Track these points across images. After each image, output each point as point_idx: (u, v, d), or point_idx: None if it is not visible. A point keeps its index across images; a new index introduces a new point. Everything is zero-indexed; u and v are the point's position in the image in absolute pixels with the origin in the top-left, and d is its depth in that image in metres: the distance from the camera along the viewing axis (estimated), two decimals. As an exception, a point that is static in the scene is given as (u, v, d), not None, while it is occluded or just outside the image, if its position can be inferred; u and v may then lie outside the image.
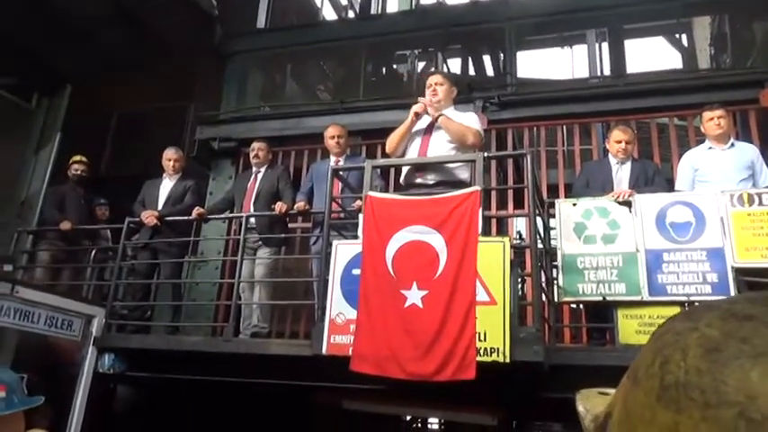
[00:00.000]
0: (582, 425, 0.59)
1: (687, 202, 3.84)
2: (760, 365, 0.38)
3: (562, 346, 4.31)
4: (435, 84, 4.13)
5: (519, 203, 5.32)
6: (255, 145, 5.39)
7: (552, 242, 4.15)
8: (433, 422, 9.38)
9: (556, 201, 4.26)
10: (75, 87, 6.06)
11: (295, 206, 4.88)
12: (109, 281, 5.16)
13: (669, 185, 4.44)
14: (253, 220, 4.95)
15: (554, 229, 4.12)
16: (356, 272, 3.57)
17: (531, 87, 6.61)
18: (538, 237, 3.64)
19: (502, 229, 5.69)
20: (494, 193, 5.29)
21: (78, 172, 6.08)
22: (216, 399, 5.39)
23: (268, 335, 4.75)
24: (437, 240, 3.41)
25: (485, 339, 3.16)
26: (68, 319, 4.46)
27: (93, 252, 5.79)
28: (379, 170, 4.64)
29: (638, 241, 3.80)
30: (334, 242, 3.81)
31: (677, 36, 8.97)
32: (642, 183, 4.32)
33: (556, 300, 4.00)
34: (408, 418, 8.61)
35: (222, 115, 6.98)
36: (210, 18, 7.24)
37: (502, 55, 7.04)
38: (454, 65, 8.30)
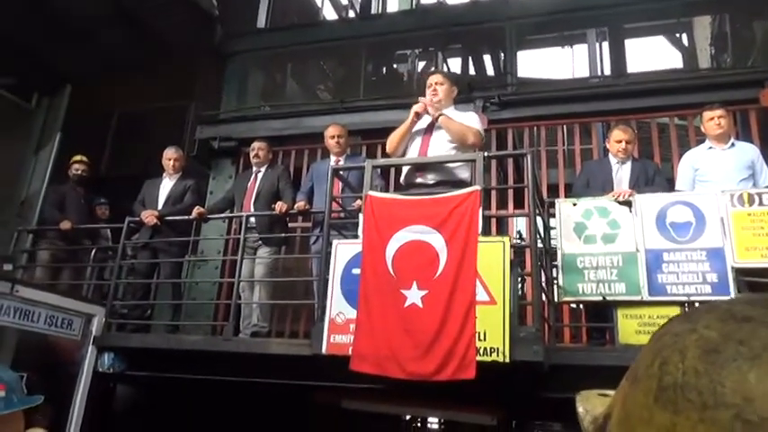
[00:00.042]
0: (582, 426, 0.59)
1: (687, 202, 3.84)
2: (757, 367, 0.39)
3: (562, 346, 4.31)
4: (436, 83, 4.13)
5: (519, 203, 5.32)
6: (256, 144, 5.39)
7: (552, 242, 4.15)
8: (433, 422, 9.36)
9: (556, 200, 4.25)
10: (75, 87, 6.07)
11: (295, 206, 4.89)
12: (109, 280, 5.17)
13: (669, 185, 4.43)
14: (253, 219, 4.96)
15: (554, 228, 4.11)
16: (356, 271, 3.57)
17: (531, 87, 6.61)
18: (538, 236, 3.65)
19: (502, 229, 5.69)
20: (494, 193, 5.28)
21: (78, 172, 6.08)
22: (216, 398, 5.39)
23: (268, 334, 4.75)
24: (437, 240, 3.41)
25: (485, 339, 3.16)
26: (68, 319, 4.46)
27: (94, 251, 5.80)
28: (379, 170, 4.64)
29: (638, 241, 3.80)
30: (334, 242, 3.81)
31: (677, 35, 8.95)
32: (642, 182, 4.31)
33: (556, 299, 4.00)
34: (408, 417, 8.60)
35: (222, 115, 6.99)
36: (211, 18, 7.24)
37: (502, 54, 7.04)
38: (454, 64, 8.29)
